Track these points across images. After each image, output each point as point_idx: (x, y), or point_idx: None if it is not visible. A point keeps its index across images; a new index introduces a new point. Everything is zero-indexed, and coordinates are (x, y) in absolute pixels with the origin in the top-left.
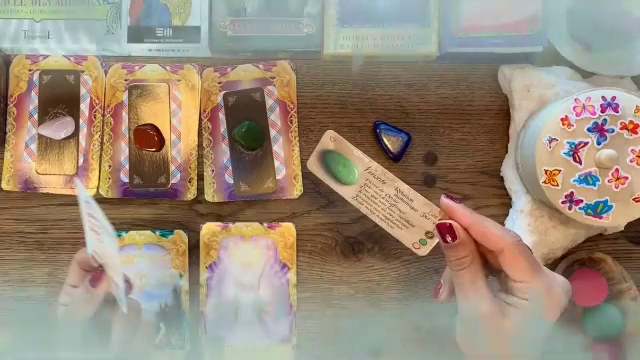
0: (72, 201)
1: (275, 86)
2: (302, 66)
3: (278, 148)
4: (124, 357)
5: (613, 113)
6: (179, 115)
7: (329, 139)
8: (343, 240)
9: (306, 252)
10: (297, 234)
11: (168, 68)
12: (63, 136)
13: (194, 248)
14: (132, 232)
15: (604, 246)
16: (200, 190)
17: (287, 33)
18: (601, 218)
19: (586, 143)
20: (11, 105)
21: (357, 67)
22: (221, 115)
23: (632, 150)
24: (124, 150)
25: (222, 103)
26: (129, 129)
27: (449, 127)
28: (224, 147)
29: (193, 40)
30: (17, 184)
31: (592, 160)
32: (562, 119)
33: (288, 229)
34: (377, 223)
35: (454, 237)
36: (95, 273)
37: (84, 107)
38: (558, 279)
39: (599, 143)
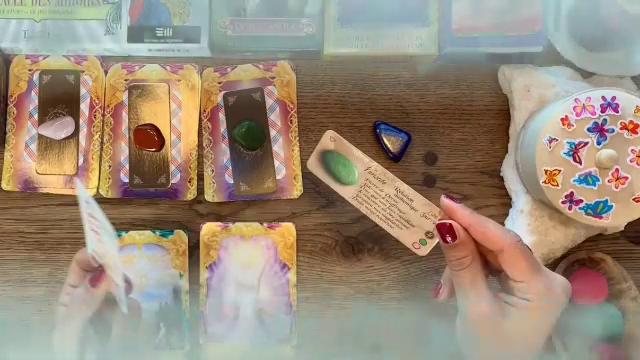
0: (72, 201)
1: (275, 86)
2: (302, 66)
3: (278, 148)
4: (124, 357)
5: (613, 113)
6: (179, 115)
7: (329, 139)
8: (343, 240)
9: (306, 252)
10: (297, 234)
11: (168, 68)
12: (63, 136)
13: (194, 248)
14: (132, 232)
15: (604, 246)
16: (200, 190)
17: (287, 33)
18: (601, 218)
19: (586, 143)
20: (11, 105)
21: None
22: (221, 115)
23: (632, 150)
24: (124, 150)
25: (222, 103)
26: (129, 129)
27: (449, 127)
28: (224, 147)
29: (193, 40)
30: (17, 184)
31: (592, 160)
32: (562, 119)
33: (288, 229)
34: (377, 223)
35: (454, 237)
36: (95, 273)
37: (84, 107)
38: (558, 279)
39: (599, 143)
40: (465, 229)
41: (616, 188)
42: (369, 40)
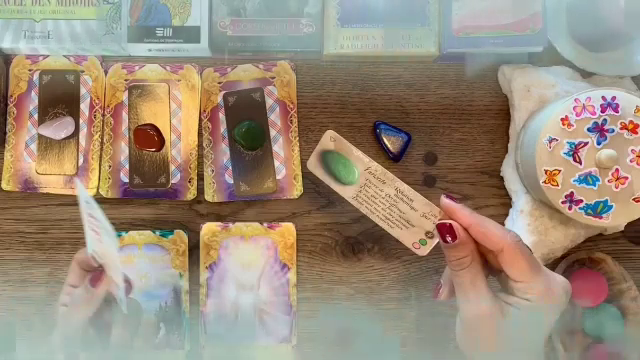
0: (72, 201)
1: (275, 86)
2: (302, 66)
3: (278, 148)
4: (124, 357)
5: (613, 113)
6: (179, 115)
7: (329, 139)
8: (343, 240)
9: (306, 252)
10: (297, 234)
11: (168, 68)
12: (63, 136)
13: (194, 248)
14: (132, 232)
15: (604, 246)
16: (200, 190)
17: (287, 33)
18: (601, 218)
19: (586, 143)
20: (11, 105)
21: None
22: (221, 115)
23: (632, 150)
24: (124, 150)
25: (222, 103)
26: (129, 129)
27: (449, 127)
28: (224, 147)
29: (193, 40)
30: (17, 184)
31: (592, 160)
32: (562, 119)
33: (288, 229)
34: (377, 223)
35: (454, 237)
36: (95, 273)
37: (84, 107)
38: (558, 279)
39: (599, 143)
40: (465, 229)
41: (616, 188)
42: (369, 40)
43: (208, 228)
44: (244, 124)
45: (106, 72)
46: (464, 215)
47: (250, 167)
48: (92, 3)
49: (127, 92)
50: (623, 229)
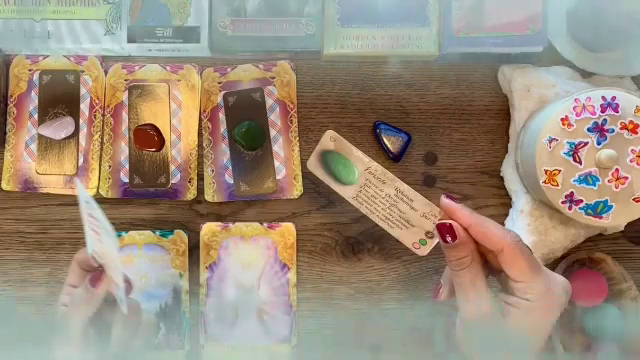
0: (72, 201)
1: (275, 86)
2: (302, 66)
3: (278, 148)
4: (124, 357)
5: (613, 113)
6: (179, 115)
7: (329, 139)
8: (343, 240)
9: (306, 252)
10: (297, 234)
11: (168, 68)
12: (63, 136)
13: (194, 248)
14: (132, 232)
15: (604, 246)
16: (200, 190)
17: (287, 33)
18: (601, 218)
19: (586, 143)
20: (11, 105)
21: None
22: (221, 115)
23: (632, 150)
24: (124, 150)
25: (222, 103)
26: (129, 129)
27: (449, 127)
28: (224, 147)
29: (193, 40)
30: (17, 184)
31: (592, 160)
32: (562, 119)
33: (288, 229)
34: (377, 223)
35: (454, 237)
36: (95, 273)
37: (84, 107)
38: (558, 279)
39: (599, 143)
40: (465, 229)
41: (616, 188)
42: (369, 40)
43: (208, 228)
44: (244, 124)
45: (106, 72)
46: (464, 215)
47: (250, 167)
48: (92, 3)
49: (127, 92)
50: (623, 229)
